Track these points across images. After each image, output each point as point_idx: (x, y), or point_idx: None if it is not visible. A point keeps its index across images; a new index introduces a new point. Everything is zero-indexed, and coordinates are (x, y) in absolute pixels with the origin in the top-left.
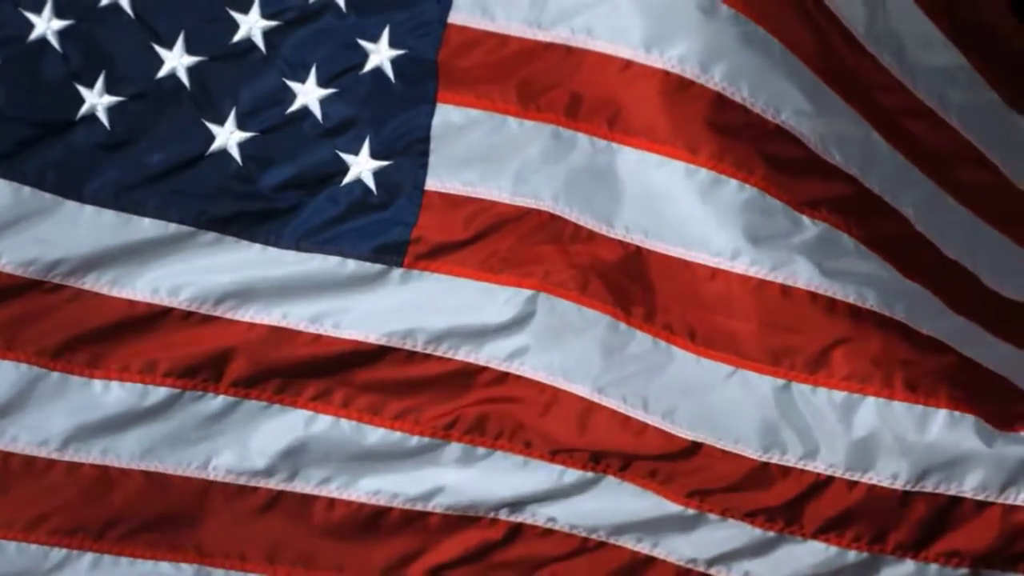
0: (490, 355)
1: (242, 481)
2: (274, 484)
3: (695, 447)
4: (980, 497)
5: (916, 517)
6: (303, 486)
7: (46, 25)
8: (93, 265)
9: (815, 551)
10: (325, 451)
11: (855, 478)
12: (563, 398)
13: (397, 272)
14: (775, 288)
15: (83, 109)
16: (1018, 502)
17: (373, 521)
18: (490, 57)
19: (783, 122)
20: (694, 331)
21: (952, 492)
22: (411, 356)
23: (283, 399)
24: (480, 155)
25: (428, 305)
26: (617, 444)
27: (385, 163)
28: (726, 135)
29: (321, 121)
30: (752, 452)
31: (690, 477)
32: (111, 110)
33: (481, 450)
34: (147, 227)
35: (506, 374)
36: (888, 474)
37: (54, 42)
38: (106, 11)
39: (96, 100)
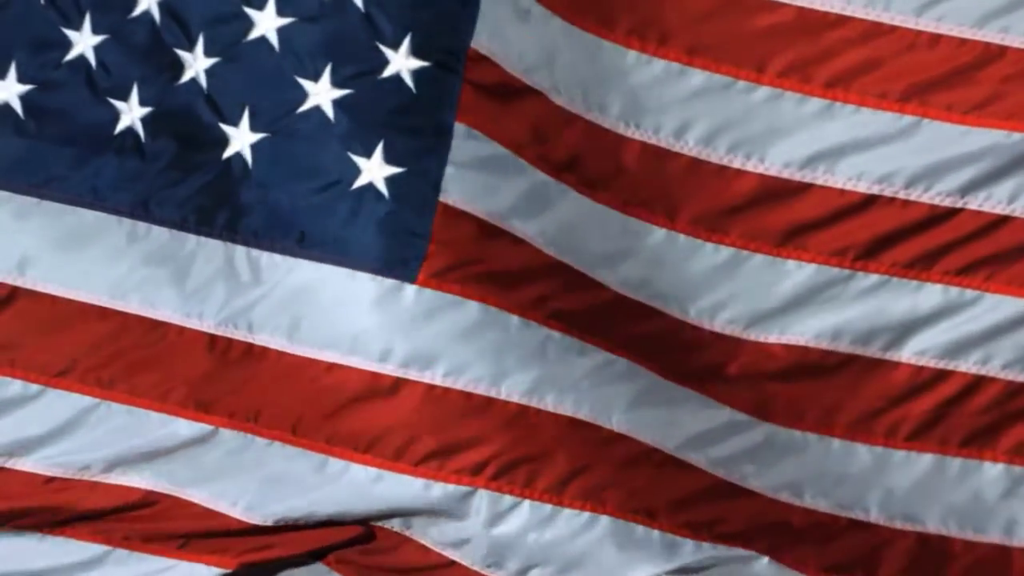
0: (510, 388)
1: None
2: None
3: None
4: None
5: None
6: None
7: (84, 42)
8: (148, 287)
9: None
10: (345, 498)
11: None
12: (589, 435)
13: (410, 289)
14: None
15: (120, 125)
16: None
17: (394, 546)
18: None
19: None
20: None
21: None
22: (431, 389)
23: (313, 445)
24: (497, 175)
25: (444, 330)
26: (648, 485)
27: (399, 170)
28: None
29: (333, 122)
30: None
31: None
32: (144, 121)
33: (508, 499)
34: (174, 239)
35: (526, 408)
36: None
37: (91, 58)
38: (136, 22)
39: (132, 113)
